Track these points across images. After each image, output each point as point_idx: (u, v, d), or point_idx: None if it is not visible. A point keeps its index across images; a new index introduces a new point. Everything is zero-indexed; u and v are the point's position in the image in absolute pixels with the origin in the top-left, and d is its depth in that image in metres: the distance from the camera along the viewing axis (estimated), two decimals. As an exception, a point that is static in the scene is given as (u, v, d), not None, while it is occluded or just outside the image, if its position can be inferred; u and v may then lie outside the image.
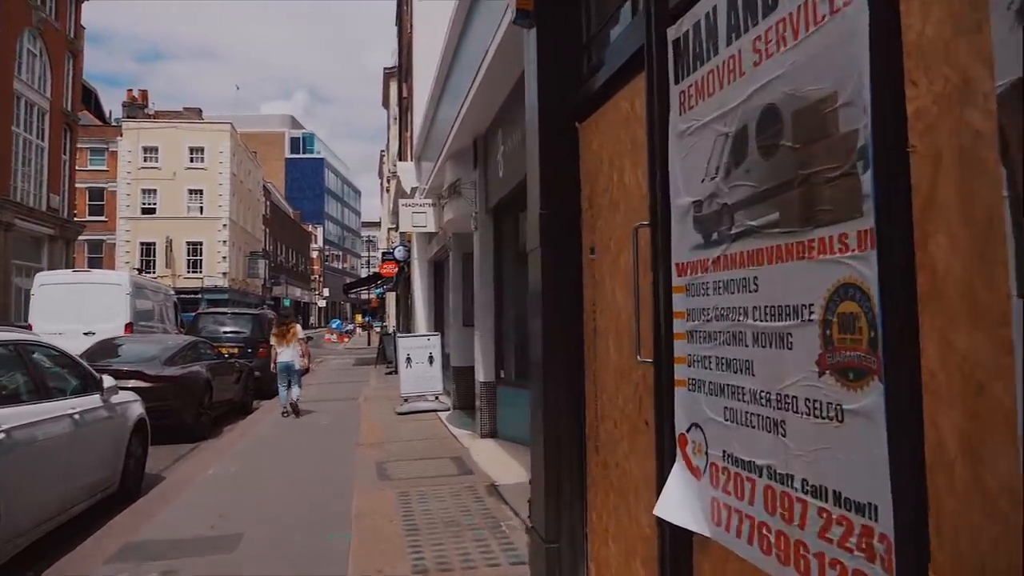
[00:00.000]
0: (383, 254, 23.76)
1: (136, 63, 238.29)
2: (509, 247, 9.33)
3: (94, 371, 6.26)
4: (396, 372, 20.28)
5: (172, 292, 18.90)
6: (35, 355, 5.50)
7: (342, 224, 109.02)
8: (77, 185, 43.26)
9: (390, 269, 22.53)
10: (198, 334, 15.19)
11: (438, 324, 16.15)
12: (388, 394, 14.72)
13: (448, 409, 11.57)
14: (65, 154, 25.85)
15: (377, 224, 72.38)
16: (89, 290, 15.48)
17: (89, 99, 50.24)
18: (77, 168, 43.37)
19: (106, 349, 10.53)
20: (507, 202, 8.55)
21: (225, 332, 15.27)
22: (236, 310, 15.85)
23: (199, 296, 41.17)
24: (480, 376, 9.15)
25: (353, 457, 8.22)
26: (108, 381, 6.12)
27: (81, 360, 6.19)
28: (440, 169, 11.32)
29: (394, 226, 40.53)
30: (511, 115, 7.64)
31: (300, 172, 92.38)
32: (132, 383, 9.30)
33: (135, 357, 10.14)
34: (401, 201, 12.16)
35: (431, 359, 11.79)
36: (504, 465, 7.35)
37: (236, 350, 15.01)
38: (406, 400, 11.72)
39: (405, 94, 22.44)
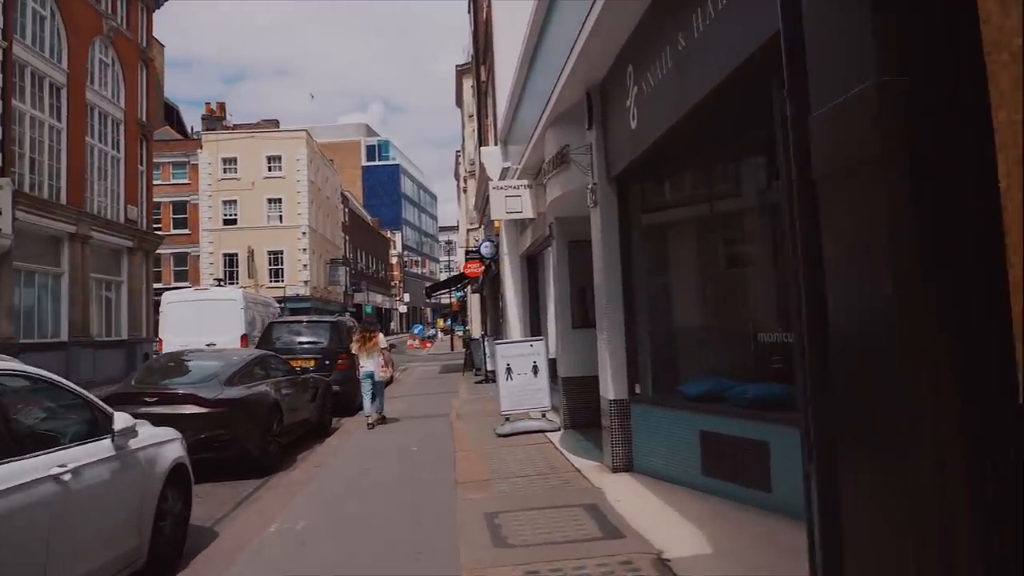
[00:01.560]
0: (466, 253, 22.05)
1: (222, 84, 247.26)
2: (642, 225, 7.30)
3: (104, 406, 4.57)
4: (487, 380, 18.58)
5: (276, 304, 19.02)
6: (9, 394, 3.83)
7: (420, 229, 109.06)
8: (161, 199, 43.81)
9: (475, 268, 20.78)
10: (271, 346, 13.78)
11: (533, 327, 14.23)
12: (482, 408, 12.91)
13: (558, 429, 9.62)
14: (142, 165, 25.30)
15: (454, 228, 71.63)
16: (208, 306, 17.36)
17: (172, 116, 51.00)
18: (160, 183, 43.92)
19: (158, 369, 9.08)
20: (643, 164, 6.53)
21: (300, 343, 13.81)
22: (313, 318, 14.42)
23: (283, 306, 40.70)
24: (608, 391, 7.15)
25: (453, 503, 6.35)
26: (122, 421, 4.42)
27: (85, 393, 4.50)
28: (538, 141, 9.40)
29: (475, 226, 39.01)
30: (652, 38, 5.61)
31: (376, 179, 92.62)
32: (187, 408, 7.78)
33: (191, 377, 8.63)
34: (490, 184, 10.34)
35: (535, 369, 9.87)
36: (663, 520, 5.32)
37: (312, 362, 13.52)
38: (507, 419, 9.82)
39: (484, 77, 20.66)
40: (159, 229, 43.25)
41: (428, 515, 6.05)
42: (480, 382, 18.14)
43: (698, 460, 6.00)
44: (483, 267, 20.48)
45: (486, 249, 16.57)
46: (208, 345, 13.73)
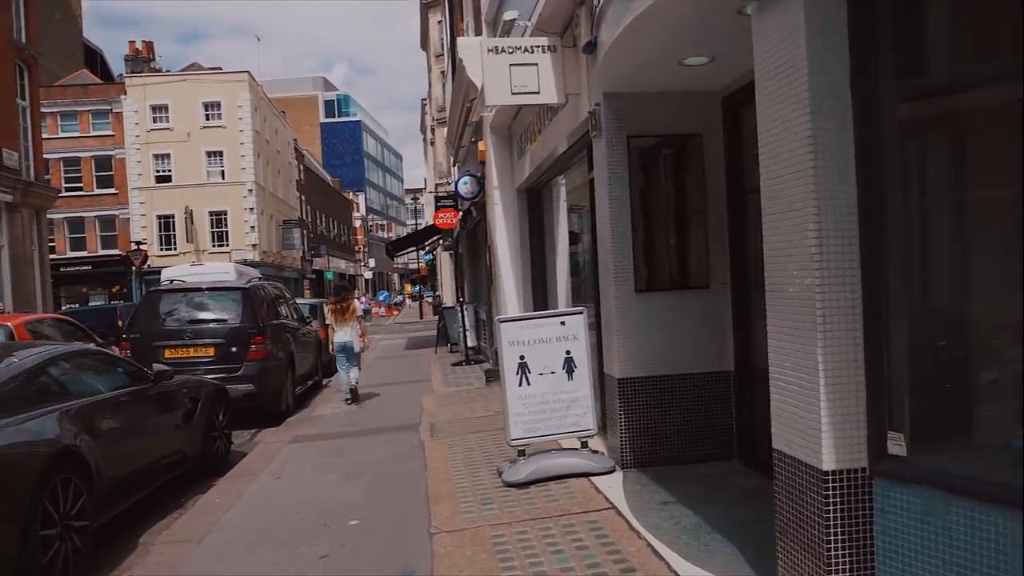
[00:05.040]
0: (437, 200, 17.55)
1: (176, 44, 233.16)
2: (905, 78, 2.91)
3: None
4: (468, 361, 14.29)
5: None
6: None
7: (385, 191, 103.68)
8: (80, 153, 38.22)
9: (448, 219, 16.32)
10: (149, 327, 9.29)
11: (538, 293, 9.91)
12: (468, 412, 8.63)
13: (611, 470, 5.40)
14: (23, 99, 20.18)
15: (422, 191, 66.84)
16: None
17: (94, 62, 45.03)
18: (78, 134, 38.29)
19: None
20: None
21: (193, 323, 9.29)
22: (214, 284, 9.90)
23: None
24: (820, 449, 2.81)
25: None
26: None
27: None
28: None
29: (443, 180, 34.26)
30: None
31: (337, 137, 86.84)
32: None
33: None
34: (486, 44, 5.94)
35: (570, 365, 5.57)
36: None
37: (211, 351, 9.08)
38: (521, 453, 5.54)
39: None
40: (78, 188, 37.92)
41: None
42: (459, 364, 13.83)
43: None
44: (459, 216, 16.05)
45: (465, 186, 12.13)
46: None
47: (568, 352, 5.60)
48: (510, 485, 5.35)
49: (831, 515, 2.77)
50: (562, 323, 5.62)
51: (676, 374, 5.46)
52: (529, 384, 5.56)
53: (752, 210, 5.23)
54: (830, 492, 2.76)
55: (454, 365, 13.82)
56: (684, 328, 5.48)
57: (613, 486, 5.07)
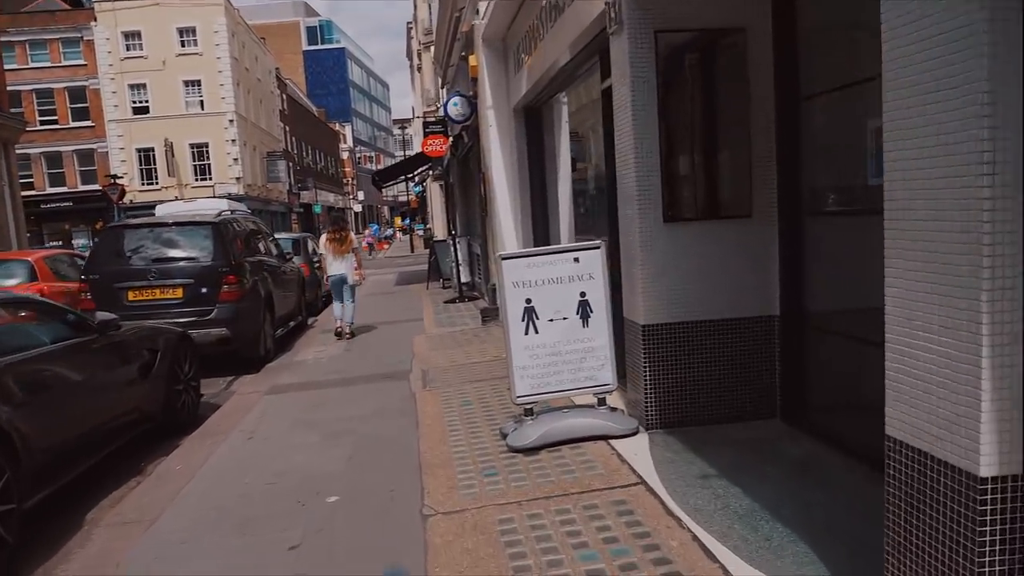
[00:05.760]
0: (425, 126, 16.39)
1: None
2: None
3: None
4: (462, 298, 13.47)
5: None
6: None
7: (372, 122, 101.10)
8: (52, 84, 36.35)
9: (438, 145, 15.21)
10: (107, 267, 8.39)
11: (539, 229, 9.02)
12: (463, 356, 7.84)
13: (633, 432, 4.62)
14: (-24, 19, 18.66)
15: (410, 121, 64.92)
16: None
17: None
18: (48, 64, 36.33)
19: None
20: None
21: (158, 262, 8.34)
22: (181, 219, 8.91)
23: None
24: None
25: None
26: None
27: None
28: None
29: (431, 108, 32.67)
30: None
31: (320, 66, 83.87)
32: None
33: None
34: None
35: (585, 309, 4.73)
36: None
37: (180, 292, 8.20)
38: (528, 411, 4.74)
39: None
40: (53, 120, 36.26)
41: None
42: (452, 301, 13.02)
43: None
44: (449, 143, 14.95)
45: (455, 108, 11.02)
46: None
47: (583, 294, 4.73)
48: (516, 450, 4.56)
49: (987, 535, 1.96)
50: (576, 260, 4.74)
51: (711, 319, 4.63)
52: (537, 332, 4.72)
53: (808, 120, 4.31)
54: (988, 505, 1.94)
55: (447, 303, 13.00)
56: (721, 266, 4.62)
57: (639, 453, 4.30)
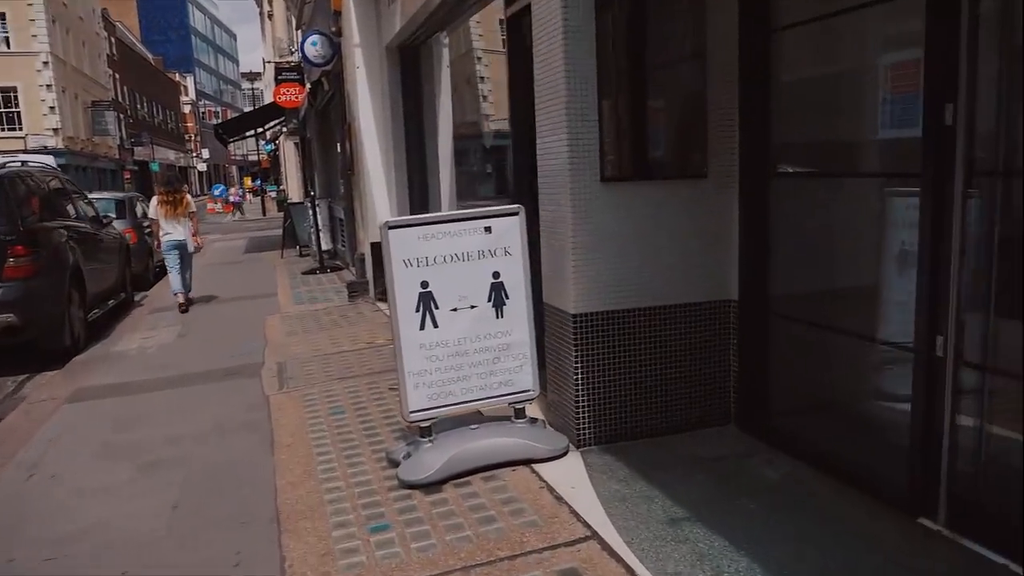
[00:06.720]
0: (278, 73, 14.42)
1: None
2: None
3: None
4: (323, 269, 11.92)
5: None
6: None
7: (218, 74, 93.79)
8: None
9: (292, 95, 13.36)
10: None
11: (415, 191, 7.77)
12: (328, 343, 6.48)
13: (562, 452, 3.58)
14: None
15: (261, 74, 60.46)
16: None
17: None
18: None
19: None
20: None
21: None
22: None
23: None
24: None
25: None
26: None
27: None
28: None
29: (283, 57, 29.86)
30: None
31: (156, 8, 76.13)
32: None
33: None
34: None
35: (500, 296, 3.60)
36: None
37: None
38: (426, 431, 3.57)
39: None
40: None
41: None
42: (312, 272, 11.48)
43: None
44: (306, 92, 13.21)
45: (314, 47, 9.38)
46: None
47: (496, 275, 3.60)
48: (411, 486, 3.40)
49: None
50: (487, 229, 3.58)
51: (658, 306, 3.65)
52: (436, 326, 3.54)
53: (781, 56, 3.38)
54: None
55: (305, 273, 11.44)
56: (670, 238, 3.64)
57: (577, 486, 3.26)
